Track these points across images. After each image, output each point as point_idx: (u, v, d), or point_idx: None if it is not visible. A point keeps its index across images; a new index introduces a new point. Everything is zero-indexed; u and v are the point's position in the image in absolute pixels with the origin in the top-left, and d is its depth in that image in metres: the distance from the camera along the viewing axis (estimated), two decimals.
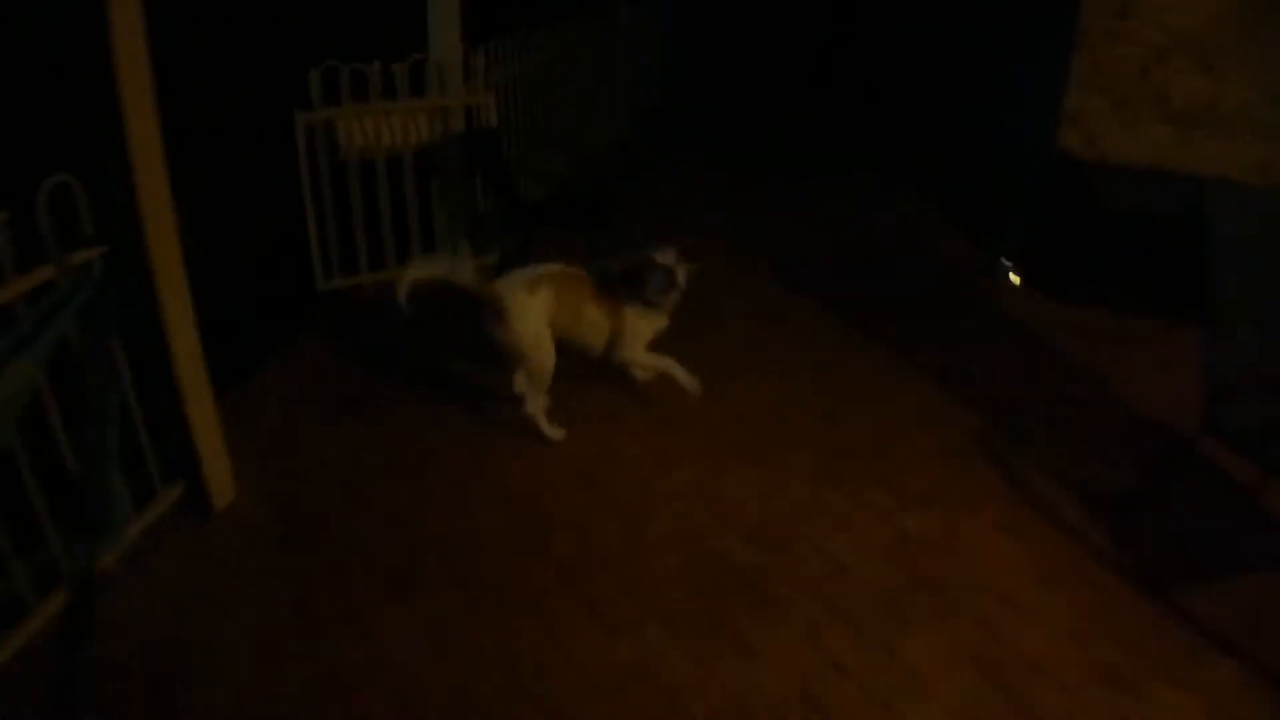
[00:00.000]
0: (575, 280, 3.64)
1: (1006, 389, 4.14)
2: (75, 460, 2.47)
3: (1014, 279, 5.21)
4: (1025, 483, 3.47)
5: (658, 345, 3.80)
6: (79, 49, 2.47)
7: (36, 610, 2.64)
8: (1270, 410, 2.94)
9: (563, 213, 4.71)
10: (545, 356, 3.53)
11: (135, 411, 3.03)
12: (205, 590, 2.89)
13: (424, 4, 4.68)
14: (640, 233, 5.30)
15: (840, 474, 3.49)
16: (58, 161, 2.51)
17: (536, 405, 3.63)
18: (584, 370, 4.01)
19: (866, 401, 3.99)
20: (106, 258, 2.71)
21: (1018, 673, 2.59)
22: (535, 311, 3.49)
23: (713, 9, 10.32)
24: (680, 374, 3.70)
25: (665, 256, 3.58)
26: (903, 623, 2.78)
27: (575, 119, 6.94)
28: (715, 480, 3.44)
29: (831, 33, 10.26)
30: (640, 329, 3.71)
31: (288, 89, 4.36)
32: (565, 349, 3.64)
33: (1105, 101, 4.96)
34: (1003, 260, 5.25)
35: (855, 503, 3.33)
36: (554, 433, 3.65)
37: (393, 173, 4.80)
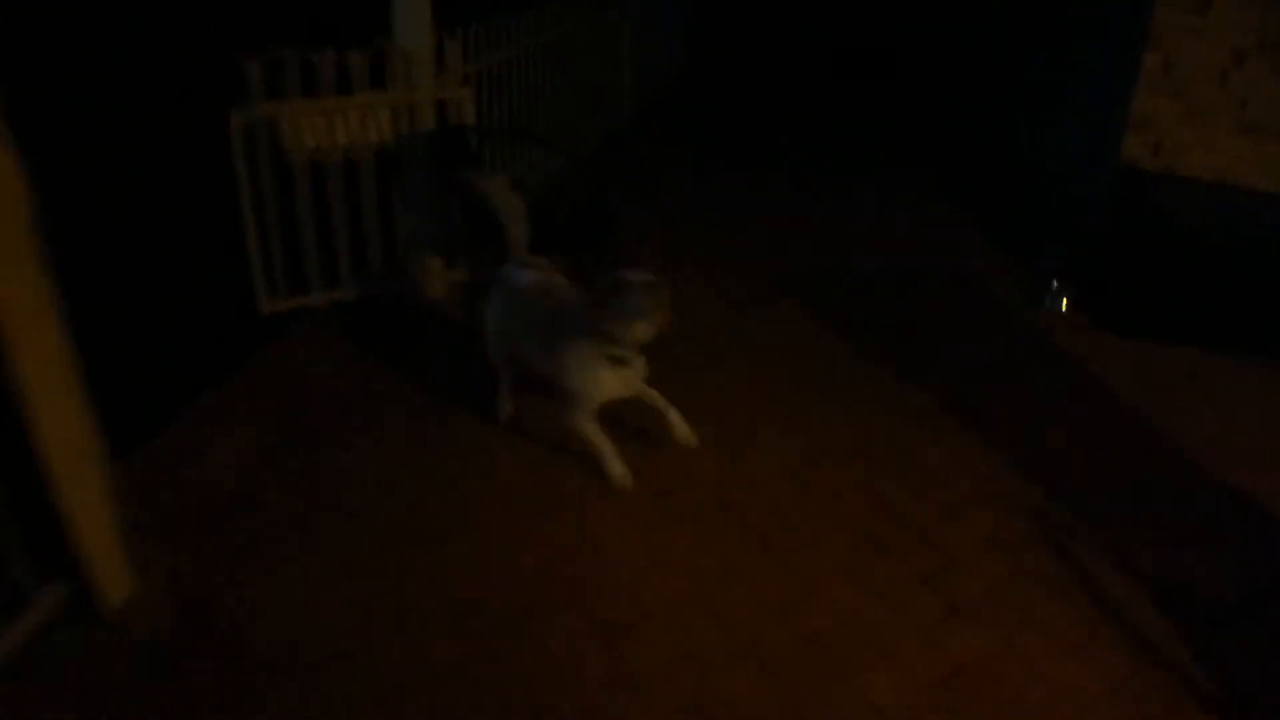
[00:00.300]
0: (537, 294, 3.26)
1: (1066, 452, 3.51)
2: None
3: (1062, 305, 4.56)
4: (1097, 584, 2.85)
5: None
6: None
7: None
8: None
9: (550, 226, 4.04)
10: (492, 348, 3.45)
11: None
12: None
13: None
14: (642, 252, 4.70)
15: (877, 573, 2.86)
16: None
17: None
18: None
19: (904, 468, 3.35)
20: None
21: None
22: (492, 305, 3.40)
23: (725, 4, 9.59)
24: (615, 466, 3.13)
25: (637, 275, 2.92)
26: None
27: (569, 115, 6.22)
28: (722, 585, 2.80)
29: (845, 33, 9.51)
30: (583, 381, 3.03)
31: (222, 81, 3.67)
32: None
33: (1176, 107, 4.31)
34: (1053, 284, 4.60)
35: (895, 616, 2.71)
36: (504, 407, 3.51)
37: (349, 177, 4.14)
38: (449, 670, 2.47)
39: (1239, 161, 4.34)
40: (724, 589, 2.78)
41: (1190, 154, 4.38)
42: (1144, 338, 4.30)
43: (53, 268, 2.40)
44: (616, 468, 3.12)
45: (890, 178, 6.73)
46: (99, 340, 3.42)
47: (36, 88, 2.91)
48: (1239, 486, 3.33)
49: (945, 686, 2.49)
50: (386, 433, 3.46)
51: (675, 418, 3.22)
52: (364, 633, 2.60)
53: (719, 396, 3.73)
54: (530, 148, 5.42)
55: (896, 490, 3.23)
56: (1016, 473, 3.35)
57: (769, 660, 2.53)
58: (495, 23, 4.87)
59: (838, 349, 4.16)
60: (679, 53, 9.02)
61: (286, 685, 2.42)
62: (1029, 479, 3.32)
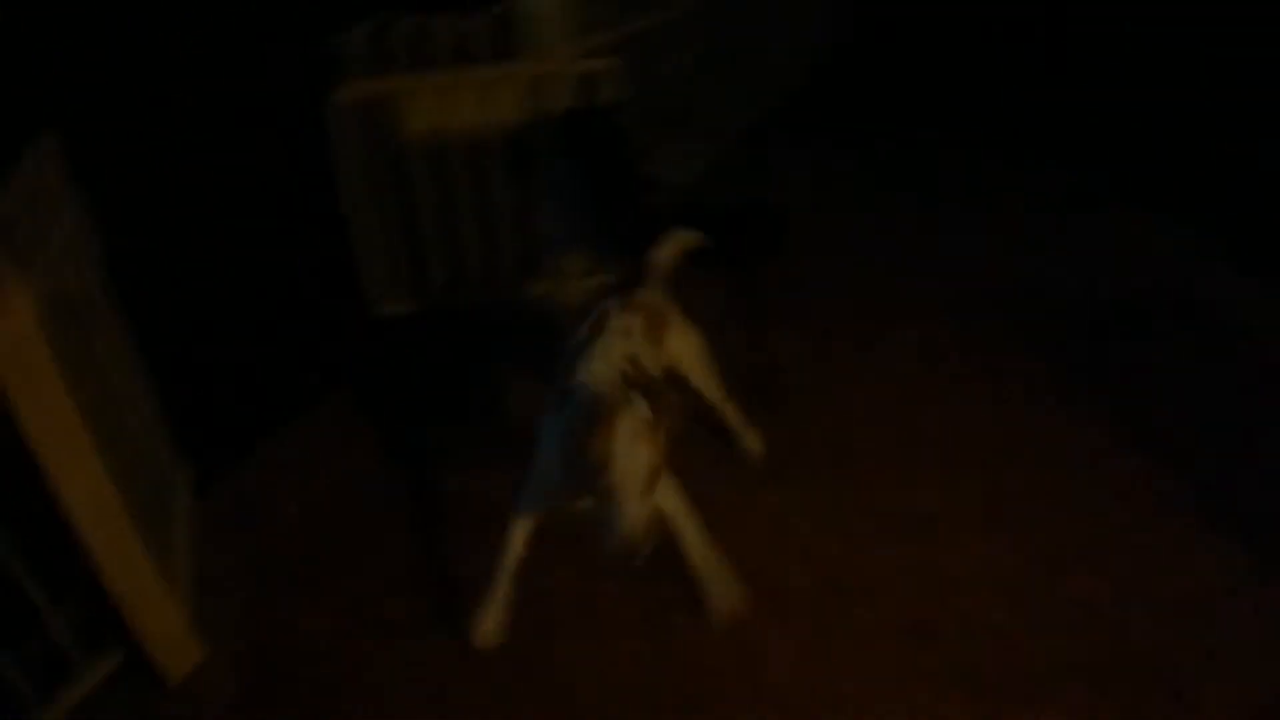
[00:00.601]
0: None
1: None
2: None
3: None
4: None
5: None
6: None
7: None
8: None
9: (711, 231, 3.28)
10: None
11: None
12: None
13: None
14: (815, 268, 3.83)
15: None
16: None
17: None
18: None
19: (1149, 579, 2.40)
20: None
21: None
22: None
23: None
24: (483, 615, 2.23)
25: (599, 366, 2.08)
26: None
27: (727, 88, 5.27)
28: None
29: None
30: (537, 458, 2.18)
31: (317, 54, 3.11)
32: None
33: None
34: None
35: None
36: None
37: (476, 164, 3.52)
38: None
39: None
40: None
41: None
42: None
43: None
44: (482, 618, 2.23)
45: (1078, 172, 5.26)
46: (196, 349, 3.02)
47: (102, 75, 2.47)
48: None
49: None
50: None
51: None
52: None
53: (894, 471, 2.86)
54: (678, 132, 4.61)
55: (1143, 619, 2.31)
56: None
57: None
58: None
59: (1045, 407, 3.12)
60: (846, 14, 7.67)
61: None
62: None
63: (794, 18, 6.21)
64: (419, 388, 3.30)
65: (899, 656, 2.25)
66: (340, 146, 3.23)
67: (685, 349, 2.50)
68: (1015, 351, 3.41)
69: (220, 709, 2.16)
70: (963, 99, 5.61)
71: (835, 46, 7.22)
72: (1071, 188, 4.62)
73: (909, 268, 4.02)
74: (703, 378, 2.58)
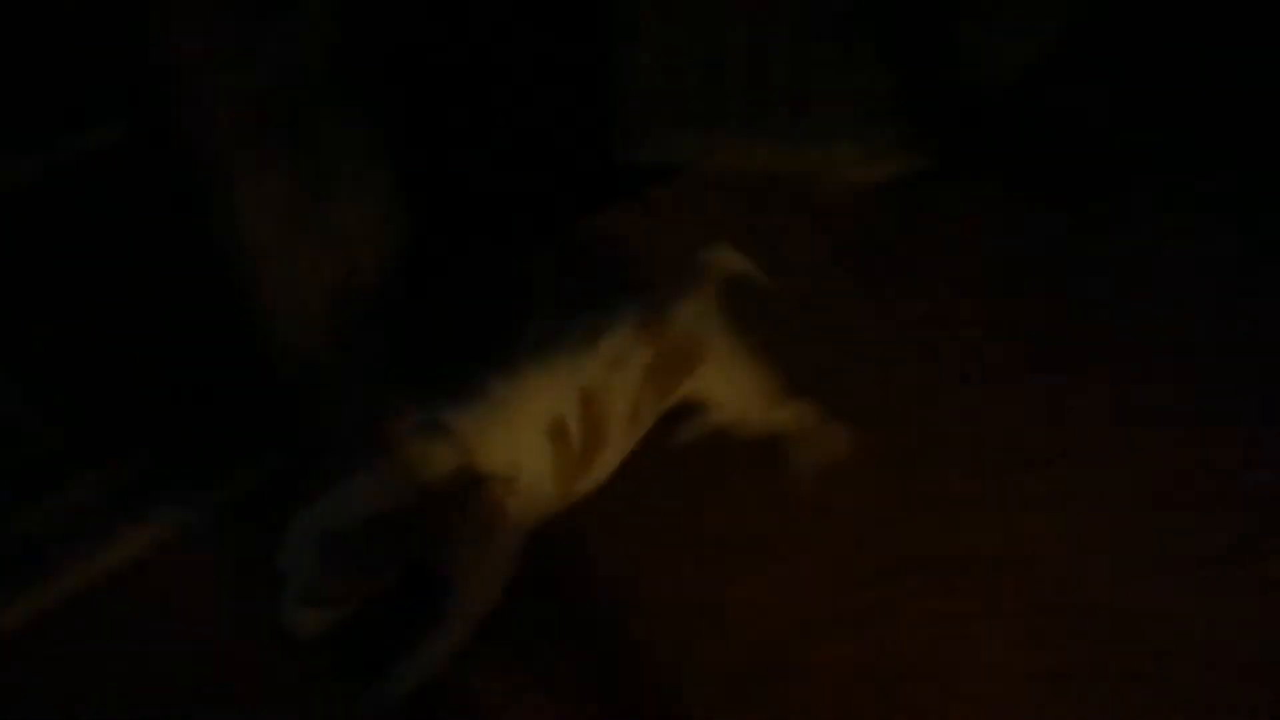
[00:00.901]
0: None
1: None
2: None
3: None
4: None
5: None
6: None
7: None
8: None
9: (1013, 142, 2.77)
10: None
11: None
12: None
13: None
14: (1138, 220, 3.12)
15: None
16: None
17: None
18: None
19: None
20: None
21: None
22: None
23: None
24: None
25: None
26: None
27: None
28: None
29: None
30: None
31: None
32: None
33: None
34: None
35: None
36: None
37: (768, 11, 3.10)
38: None
39: None
40: None
41: None
42: None
43: None
44: None
45: None
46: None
47: None
48: None
49: None
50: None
51: None
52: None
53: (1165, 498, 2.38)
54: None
55: None
56: None
57: None
58: None
59: None
60: None
61: None
62: None
63: None
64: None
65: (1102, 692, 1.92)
66: None
67: (719, 379, 2.06)
68: None
69: None
70: None
71: None
72: None
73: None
74: (740, 407, 2.11)
